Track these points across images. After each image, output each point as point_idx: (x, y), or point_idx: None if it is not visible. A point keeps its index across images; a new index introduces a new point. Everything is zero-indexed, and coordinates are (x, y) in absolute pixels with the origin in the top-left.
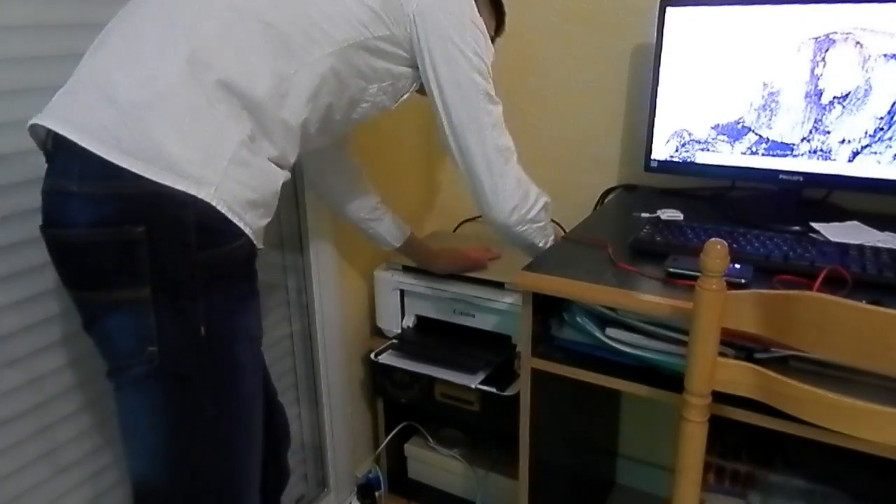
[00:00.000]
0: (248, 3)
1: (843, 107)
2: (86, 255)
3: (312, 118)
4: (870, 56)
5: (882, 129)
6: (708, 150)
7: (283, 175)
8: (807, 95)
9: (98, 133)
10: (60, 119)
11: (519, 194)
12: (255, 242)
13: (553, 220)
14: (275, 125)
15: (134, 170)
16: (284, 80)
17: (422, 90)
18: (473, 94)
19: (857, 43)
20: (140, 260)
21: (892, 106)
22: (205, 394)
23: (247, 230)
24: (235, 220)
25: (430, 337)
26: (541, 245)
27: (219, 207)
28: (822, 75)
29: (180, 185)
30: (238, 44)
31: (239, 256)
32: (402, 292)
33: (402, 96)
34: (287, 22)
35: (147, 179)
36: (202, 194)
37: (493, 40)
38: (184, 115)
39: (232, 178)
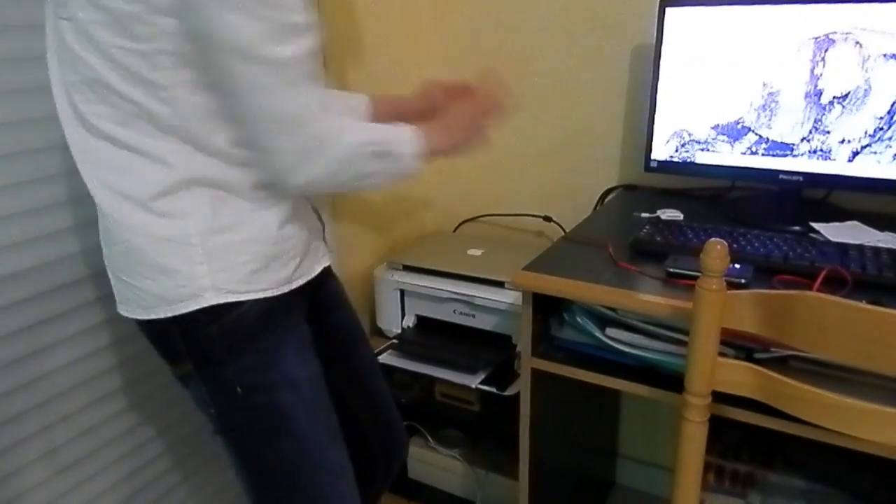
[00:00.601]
0: (73, 120)
1: (843, 107)
2: (153, 342)
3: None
4: (870, 56)
5: (882, 128)
6: (708, 150)
7: (272, 202)
8: (807, 95)
9: (120, 300)
10: None
11: (321, 166)
12: (278, 294)
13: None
14: (204, 171)
15: (148, 318)
16: (158, 134)
17: None
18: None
19: (857, 43)
20: (177, 342)
21: (892, 106)
22: (262, 444)
23: (258, 296)
24: (239, 298)
25: (430, 337)
26: (374, 173)
27: (222, 301)
28: (821, 75)
29: (185, 310)
30: (109, 154)
31: (252, 317)
32: (403, 292)
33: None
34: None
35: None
36: (207, 302)
37: None
38: (145, 253)
39: (219, 270)
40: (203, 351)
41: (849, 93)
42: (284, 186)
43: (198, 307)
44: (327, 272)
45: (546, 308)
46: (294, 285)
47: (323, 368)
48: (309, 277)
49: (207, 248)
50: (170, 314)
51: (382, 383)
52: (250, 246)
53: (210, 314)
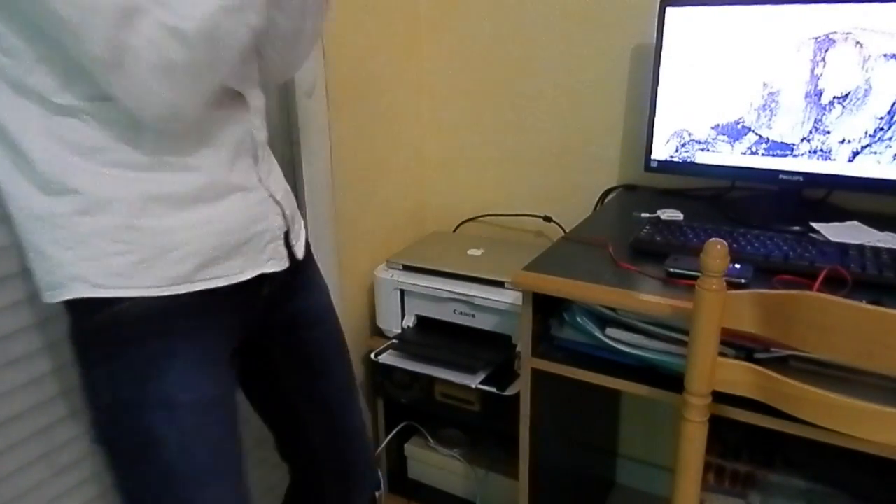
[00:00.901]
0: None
1: (843, 107)
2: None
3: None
4: (870, 56)
5: (882, 128)
6: (708, 150)
7: (162, 177)
8: (807, 95)
9: None
10: None
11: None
12: (171, 294)
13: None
14: (61, 133)
15: (44, 300)
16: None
17: None
18: None
19: (857, 43)
20: (70, 332)
21: (892, 106)
22: (124, 467)
23: (139, 293)
24: (112, 294)
25: (430, 337)
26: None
27: (92, 295)
28: (822, 75)
29: (58, 299)
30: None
31: (133, 315)
32: (402, 292)
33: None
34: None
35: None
36: (78, 293)
37: None
38: (23, 230)
39: (86, 258)
40: (80, 348)
41: (849, 93)
42: (144, 123)
43: (69, 297)
44: (306, 284)
45: (546, 308)
46: (199, 286)
47: (285, 385)
48: (232, 281)
49: (75, 232)
50: (49, 300)
51: (352, 410)
52: (128, 233)
53: (88, 306)
